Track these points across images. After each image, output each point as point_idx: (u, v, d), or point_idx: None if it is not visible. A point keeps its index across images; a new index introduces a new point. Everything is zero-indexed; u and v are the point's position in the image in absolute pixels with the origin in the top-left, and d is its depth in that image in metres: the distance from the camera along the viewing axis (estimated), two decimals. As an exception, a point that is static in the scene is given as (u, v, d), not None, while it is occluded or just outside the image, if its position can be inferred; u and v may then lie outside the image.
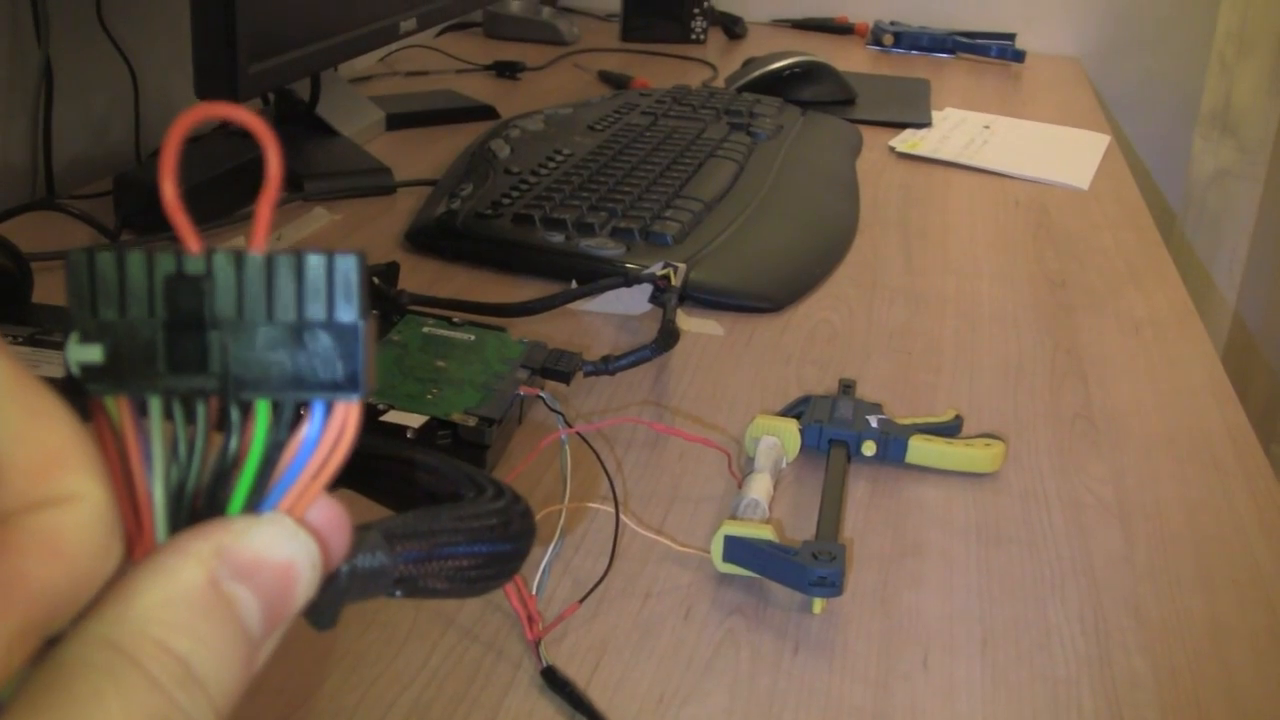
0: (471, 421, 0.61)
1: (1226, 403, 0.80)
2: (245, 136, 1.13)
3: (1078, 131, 1.47)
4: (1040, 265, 1.01)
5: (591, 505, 0.61)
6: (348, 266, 0.24)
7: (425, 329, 0.70)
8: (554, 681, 0.50)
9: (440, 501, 0.31)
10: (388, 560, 0.27)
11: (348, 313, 0.24)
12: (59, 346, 0.51)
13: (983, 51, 1.86)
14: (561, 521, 0.59)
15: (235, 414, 0.24)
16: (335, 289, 0.24)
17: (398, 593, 0.28)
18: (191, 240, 0.24)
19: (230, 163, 1.00)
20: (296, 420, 0.25)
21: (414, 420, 0.61)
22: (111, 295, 0.24)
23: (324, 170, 1.08)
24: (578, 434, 0.62)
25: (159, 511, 0.24)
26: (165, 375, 0.24)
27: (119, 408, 0.24)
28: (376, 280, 0.77)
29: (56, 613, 0.22)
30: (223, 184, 0.98)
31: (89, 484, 0.22)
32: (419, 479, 0.33)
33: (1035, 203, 1.19)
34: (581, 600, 0.54)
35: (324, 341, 0.24)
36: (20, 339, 0.51)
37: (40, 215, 0.95)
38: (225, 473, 0.24)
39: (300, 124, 1.18)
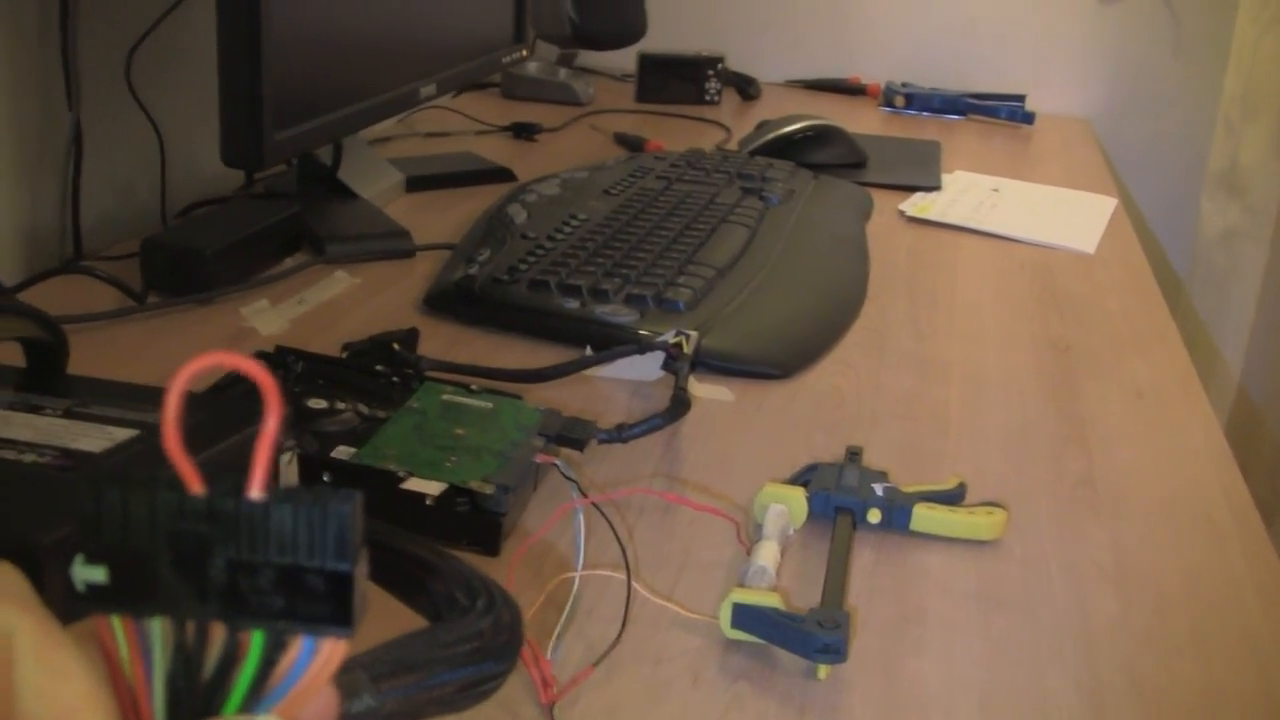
0: (489, 489, 0.63)
1: (1225, 468, 0.81)
2: (268, 199, 1.17)
3: (1085, 194, 1.49)
4: (1045, 330, 1.04)
5: (604, 572, 0.63)
6: (343, 514, 0.25)
7: (444, 396, 0.73)
8: (566, 745, 0.52)
9: (434, 598, 0.33)
10: (375, 702, 0.29)
11: (341, 563, 0.26)
12: (97, 420, 0.53)
13: (993, 113, 1.90)
14: (575, 588, 0.61)
15: (230, 635, 0.26)
16: (329, 537, 0.26)
17: None
18: (194, 481, 0.26)
19: (255, 226, 1.03)
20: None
21: (433, 488, 0.63)
22: (116, 525, 0.26)
23: (345, 234, 1.10)
24: (592, 504, 0.64)
25: (158, 712, 0.26)
26: (165, 603, 0.26)
27: (122, 621, 0.27)
28: (397, 346, 0.80)
29: None
30: (247, 246, 1.01)
31: None
32: (418, 575, 0.35)
33: (1041, 267, 1.21)
34: (594, 665, 0.56)
35: (317, 584, 0.26)
36: (58, 411, 0.54)
37: (68, 278, 0.97)
38: (224, 669, 0.26)
39: (322, 185, 1.21)
